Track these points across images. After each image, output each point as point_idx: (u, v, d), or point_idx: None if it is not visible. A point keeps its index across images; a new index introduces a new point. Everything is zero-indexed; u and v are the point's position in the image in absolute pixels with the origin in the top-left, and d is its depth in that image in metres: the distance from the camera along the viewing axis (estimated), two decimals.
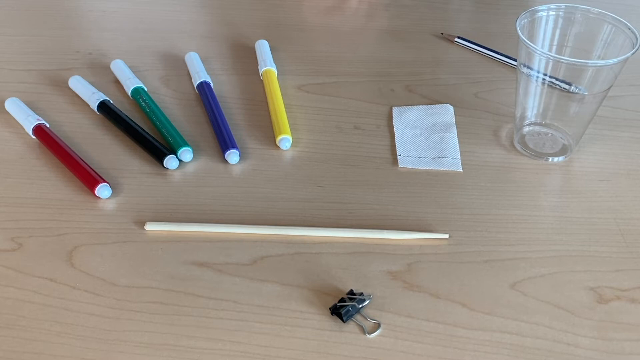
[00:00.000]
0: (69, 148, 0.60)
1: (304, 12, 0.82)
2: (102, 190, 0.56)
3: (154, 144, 0.60)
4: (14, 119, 0.63)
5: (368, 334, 0.46)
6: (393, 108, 0.66)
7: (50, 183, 0.57)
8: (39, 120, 0.62)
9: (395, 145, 0.61)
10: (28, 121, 0.62)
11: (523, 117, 0.61)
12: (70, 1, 0.85)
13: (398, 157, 0.60)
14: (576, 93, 0.56)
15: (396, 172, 0.59)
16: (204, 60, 0.71)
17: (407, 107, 0.66)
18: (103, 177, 0.56)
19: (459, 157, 0.60)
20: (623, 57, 0.53)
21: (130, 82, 0.67)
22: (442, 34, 0.78)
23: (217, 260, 0.51)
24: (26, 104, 0.64)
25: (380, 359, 0.45)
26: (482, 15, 0.83)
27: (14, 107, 0.64)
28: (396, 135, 0.62)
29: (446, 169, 0.59)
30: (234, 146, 0.60)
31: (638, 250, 0.52)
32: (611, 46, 0.56)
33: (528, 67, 0.56)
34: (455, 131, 0.63)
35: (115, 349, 0.45)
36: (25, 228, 0.53)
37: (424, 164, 0.59)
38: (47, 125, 0.62)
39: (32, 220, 0.54)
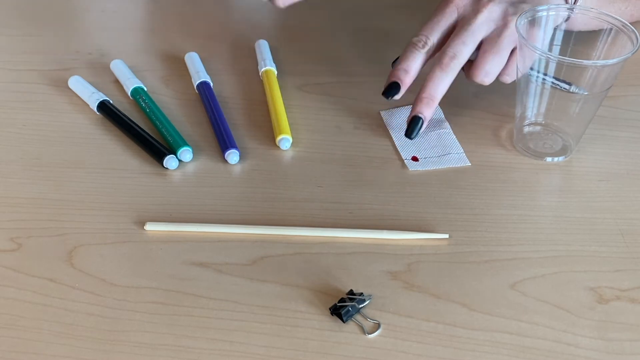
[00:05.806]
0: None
1: (303, 12, 0.82)
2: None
3: (154, 144, 0.60)
4: (14, 118, 0.63)
5: (368, 334, 0.46)
6: (381, 112, 0.65)
7: (51, 182, 0.57)
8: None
9: (395, 145, 0.61)
10: None
11: (523, 117, 0.61)
12: (70, 1, 0.85)
13: (405, 161, 0.59)
14: (576, 93, 0.56)
15: (396, 172, 0.59)
16: (204, 60, 0.71)
17: (395, 109, 0.65)
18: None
19: (462, 150, 0.60)
20: (623, 57, 0.53)
21: (130, 82, 0.67)
22: None
23: (217, 260, 0.51)
24: (26, 103, 0.64)
25: (380, 359, 0.45)
26: None
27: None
28: (395, 140, 0.62)
29: (455, 165, 0.59)
30: (233, 146, 0.60)
31: (638, 250, 0.52)
32: (611, 46, 0.56)
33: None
34: (449, 125, 0.63)
35: (115, 349, 0.45)
36: (25, 228, 0.53)
37: (432, 164, 0.59)
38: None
39: (32, 220, 0.54)
